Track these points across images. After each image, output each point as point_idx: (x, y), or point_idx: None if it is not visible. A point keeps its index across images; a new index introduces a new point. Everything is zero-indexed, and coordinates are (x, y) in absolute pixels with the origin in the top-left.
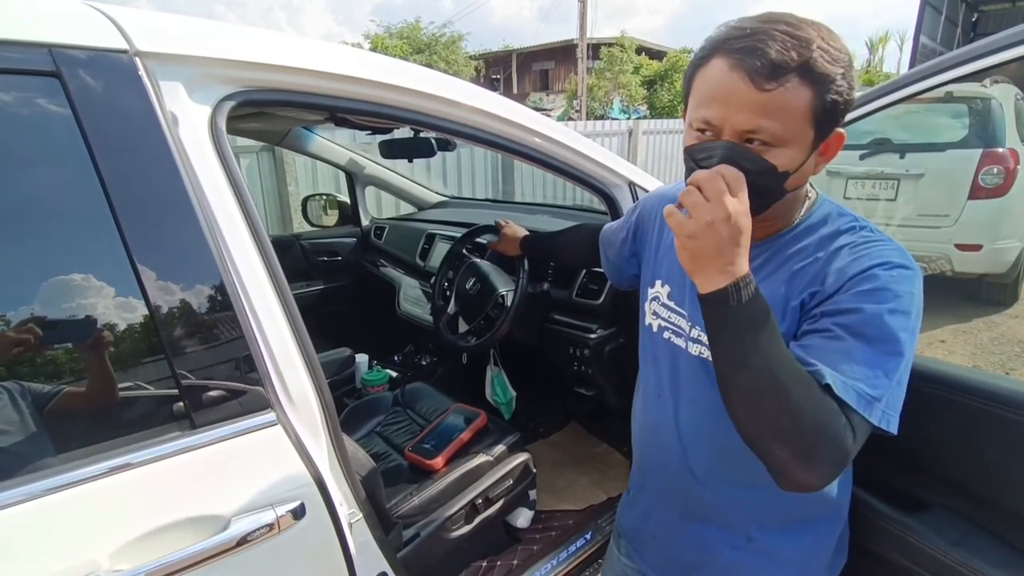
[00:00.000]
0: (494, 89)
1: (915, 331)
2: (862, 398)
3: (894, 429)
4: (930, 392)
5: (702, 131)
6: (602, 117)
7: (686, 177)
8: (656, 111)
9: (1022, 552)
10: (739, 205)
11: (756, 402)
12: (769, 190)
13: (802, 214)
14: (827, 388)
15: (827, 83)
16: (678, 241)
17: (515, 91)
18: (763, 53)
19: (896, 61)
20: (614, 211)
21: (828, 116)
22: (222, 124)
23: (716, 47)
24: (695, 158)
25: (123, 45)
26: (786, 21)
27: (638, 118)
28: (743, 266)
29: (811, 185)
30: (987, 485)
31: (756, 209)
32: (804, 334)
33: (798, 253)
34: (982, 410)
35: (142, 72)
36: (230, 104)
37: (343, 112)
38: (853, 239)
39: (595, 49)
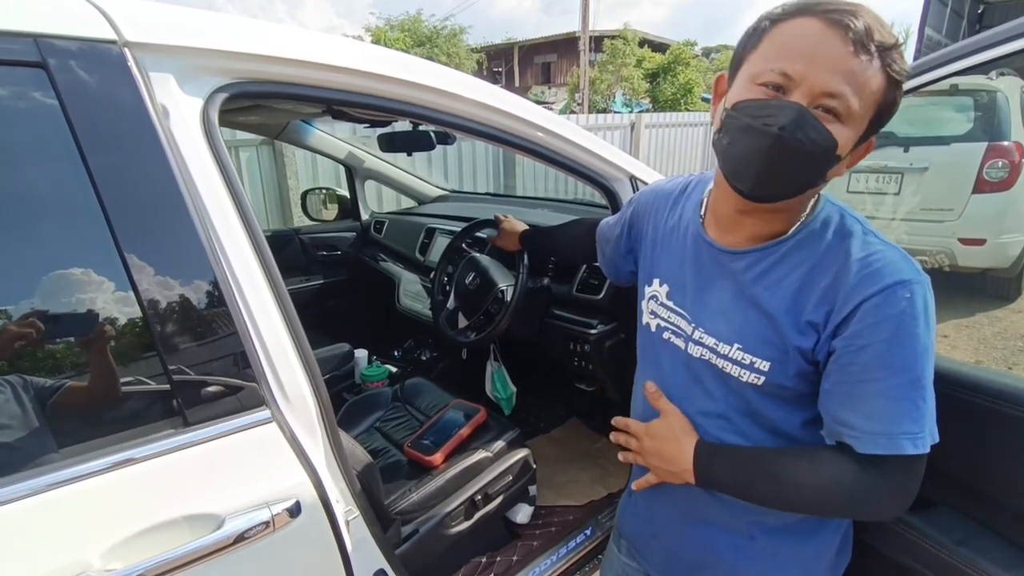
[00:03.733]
0: (496, 82)
1: (934, 339)
2: (914, 441)
3: (936, 438)
4: (935, 389)
5: (769, 86)
6: (604, 110)
7: (716, 141)
8: (659, 104)
9: None
10: (643, 442)
11: (786, 506)
12: (818, 170)
13: (807, 213)
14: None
15: (900, 76)
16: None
17: (517, 84)
18: (864, 21)
19: None
20: (615, 205)
21: (883, 114)
22: (214, 117)
23: (803, 8)
24: (754, 115)
25: (111, 35)
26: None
27: (640, 111)
28: (687, 458)
29: None
30: (992, 484)
31: (797, 189)
32: (837, 380)
33: (805, 262)
34: (988, 407)
35: (131, 63)
36: (223, 96)
37: (340, 105)
38: (859, 250)
39: (598, 42)
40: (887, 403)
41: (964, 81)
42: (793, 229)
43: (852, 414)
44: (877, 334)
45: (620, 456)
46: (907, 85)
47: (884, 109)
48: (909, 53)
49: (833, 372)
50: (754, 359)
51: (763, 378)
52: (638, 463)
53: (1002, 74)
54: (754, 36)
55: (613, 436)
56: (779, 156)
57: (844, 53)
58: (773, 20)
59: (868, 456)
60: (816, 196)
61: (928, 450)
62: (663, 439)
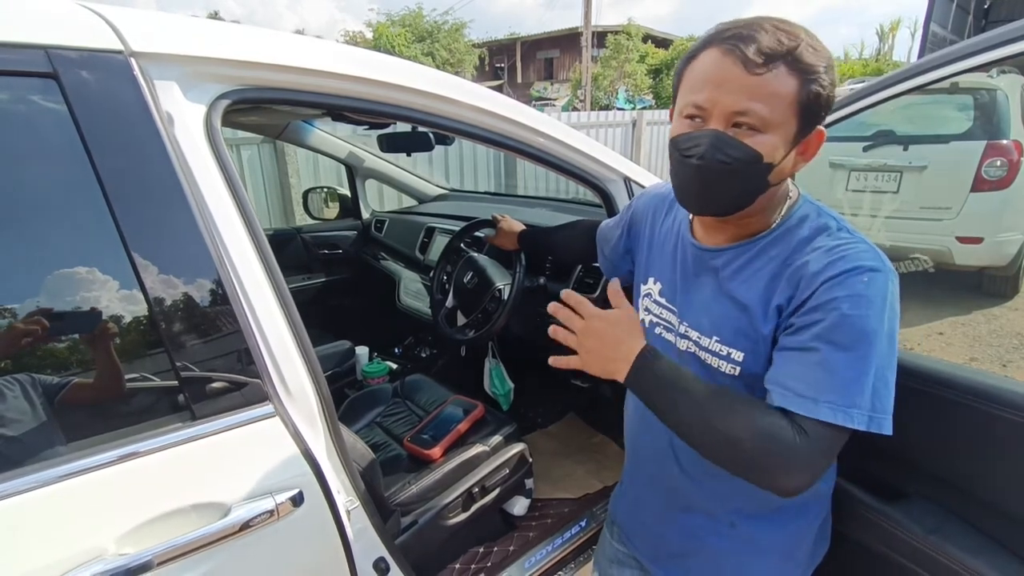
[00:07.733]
0: (498, 78)
1: (893, 332)
2: (835, 411)
3: (887, 430)
4: (909, 386)
5: (691, 118)
6: (607, 107)
7: (671, 171)
8: (662, 101)
9: (992, 538)
10: (591, 323)
11: (694, 438)
12: (753, 181)
13: (783, 214)
14: (786, 411)
15: (811, 73)
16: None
17: (519, 80)
18: (754, 39)
19: (907, 49)
20: (609, 206)
21: (811, 109)
22: (217, 123)
23: (708, 41)
24: (680, 148)
25: (118, 45)
26: (776, 19)
27: (643, 108)
28: (632, 352)
29: (793, 184)
30: (961, 475)
31: (740, 203)
32: (782, 347)
33: (777, 256)
34: (957, 403)
35: (137, 72)
36: (225, 103)
37: (339, 109)
38: (829, 242)
39: (601, 37)
40: (821, 372)
41: (964, 79)
42: (769, 228)
43: (787, 377)
44: (828, 309)
45: (550, 331)
46: (909, 84)
47: (809, 102)
48: (915, 48)
49: (781, 341)
50: (730, 350)
51: (739, 368)
52: (568, 343)
53: (1003, 71)
54: (678, 76)
55: (551, 307)
56: (707, 178)
57: (741, 75)
58: (687, 60)
59: (790, 414)
60: (796, 196)
61: (849, 426)
62: (613, 324)
